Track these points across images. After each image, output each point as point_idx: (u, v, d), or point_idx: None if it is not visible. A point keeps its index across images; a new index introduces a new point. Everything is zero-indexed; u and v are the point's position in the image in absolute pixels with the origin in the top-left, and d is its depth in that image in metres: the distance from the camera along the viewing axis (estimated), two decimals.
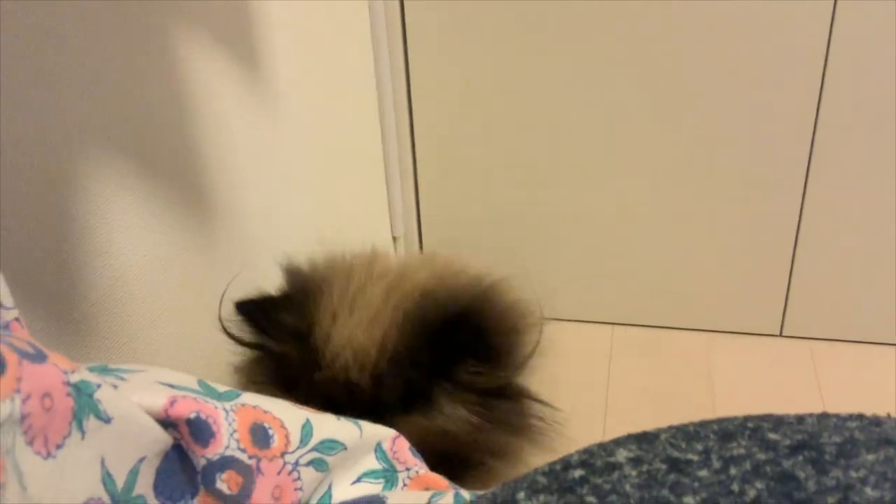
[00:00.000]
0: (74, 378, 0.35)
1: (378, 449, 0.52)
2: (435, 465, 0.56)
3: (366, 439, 0.51)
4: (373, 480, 0.50)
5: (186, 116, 0.78)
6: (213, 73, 0.82)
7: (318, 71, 1.08)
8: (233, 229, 0.87)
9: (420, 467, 0.52)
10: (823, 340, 1.37)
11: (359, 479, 0.50)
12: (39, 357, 0.34)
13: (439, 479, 0.51)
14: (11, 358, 0.32)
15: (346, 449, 0.49)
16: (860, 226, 1.27)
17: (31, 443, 0.33)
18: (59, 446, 0.34)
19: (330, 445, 0.48)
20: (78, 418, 0.35)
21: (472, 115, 1.32)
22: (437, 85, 1.31)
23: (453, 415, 0.63)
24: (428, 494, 0.48)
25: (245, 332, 0.69)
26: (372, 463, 0.51)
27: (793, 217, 1.28)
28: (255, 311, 0.68)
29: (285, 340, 0.66)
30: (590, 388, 1.29)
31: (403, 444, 0.53)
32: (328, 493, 0.48)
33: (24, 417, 0.32)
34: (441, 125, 1.34)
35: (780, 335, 1.39)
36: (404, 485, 0.51)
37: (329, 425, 0.49)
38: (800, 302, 1.35)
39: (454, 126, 1.34)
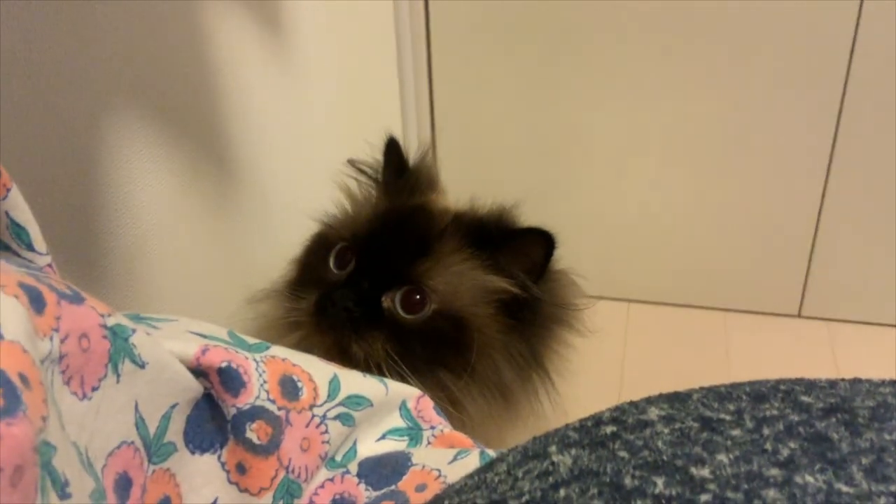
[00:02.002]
0: (111, 321, 0.36)
1: (403, 407, 0.52)
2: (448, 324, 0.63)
3: (391, 397, 0.51)
4: (397, 438, 0.51)
5: (210, 78, 0.78)
6: (238, 36, 0.82)
7: (340, 32, 1.08)
8: (254, 189, 0.87)
9: (444, 426, 0.52)
10: (842, 322, 1.36)
11: (383, 437, 0.50)
12: (77, 299, 0.34)
13: (464, 438, 0.51)
14: (50, 297, 0.32)
15: (372, 406, 0.49)
16: (881, 209, 1.26)
17: (67, 383, 0.33)
18: (94, 388, 0.34)
19: (357, 401, 0.48)
20: (114, 361, 0.35)
21: (491, 89, 1.32)
22: (458, 47, 1.30)
23: (486, 280, 0.67)
24: (453, 452, 0.48)
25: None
26: (396, 421, 0.51)
27: (815, 198, 1.27)
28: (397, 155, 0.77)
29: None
30: (605, 365, 1.29)
31: (428, 404, 0.53)
32: (353, 449, 0.49)
33: (61, 357, 0.32)
34: (458, 75, 1.33)
35: (799, 316, 1.38)
36: (429, 443, 0.51)
37: (356, 381, 0.49)
38: (819, 283, 1.35)
39: (471, 99, 1.34)
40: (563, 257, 0.73)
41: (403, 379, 0.61)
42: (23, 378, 0.27)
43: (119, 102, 0.65)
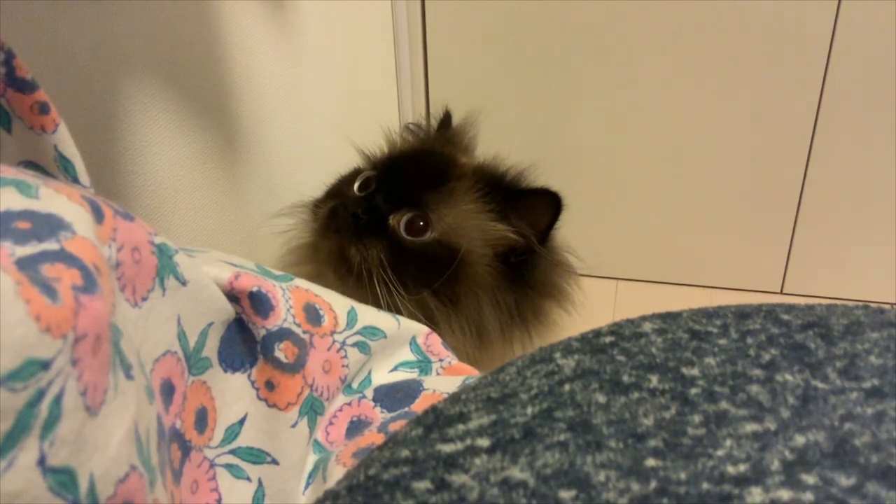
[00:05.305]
0: (157, 240, 0.39)
1: (413, 342, 0.56)
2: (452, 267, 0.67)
3: (402, 332, 0.55)
4: (408, 370, 0.54)
5: (219, 53, 0.80)
6: (244, 14, 0.84)
7: (339, 12, 1.11)
8: (258, 161, 0.90)
9: (452, 359, 0.56)
10: (822, 298, 1.40)
11: (395, 369, 0.54)
12: (128, 216, 0.37)
13: (470, 368, 0.55)
14: (108, 211, 0.35)
15: (385, 337, 0.53)
16: (861, 189, 1.29)
17: (122, 290, 0.36)
18: (144, 298, 0.38)
19: (372, 331, 0.52)
20: (160, 276, 0.38)
21: (483, 73, 1.35)
22: (453, 25, 1.33)
23: (491, 226, 0.71)
24: (461, 378, 0.52)
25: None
26: (407, 355, 0.55)
27: (797, 176, 1.30)
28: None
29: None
30: None
31: (436, 339, 0.56)
32: (368, 378, 0.52)
33: (118, 265, 0.35)
34: (454, 69, 1.36)
35: (781, 293, 1.42)
36: (437, 373, 0.54)
37: (371, 314, 0.53)
38: (801, 260, 1.38)
39: (466, 80, 1.37)
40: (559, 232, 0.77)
41: (389, 289, 0.65)
42: (96, 268, 0.30)
43: (135, 69, 0.67)
